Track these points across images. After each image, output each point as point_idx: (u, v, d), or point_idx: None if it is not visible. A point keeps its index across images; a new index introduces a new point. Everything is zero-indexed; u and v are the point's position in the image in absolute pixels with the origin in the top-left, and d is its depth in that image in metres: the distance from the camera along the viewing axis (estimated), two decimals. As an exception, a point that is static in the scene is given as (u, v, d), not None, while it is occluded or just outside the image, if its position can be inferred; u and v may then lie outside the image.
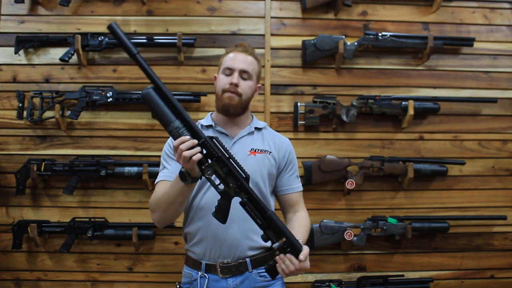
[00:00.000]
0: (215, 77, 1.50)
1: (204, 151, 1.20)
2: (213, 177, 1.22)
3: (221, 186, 1.24)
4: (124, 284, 2.34)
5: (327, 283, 2.26)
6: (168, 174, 1.41)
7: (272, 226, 1.22)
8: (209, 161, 1.20)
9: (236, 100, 1.41)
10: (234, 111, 1.43)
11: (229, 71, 1.42)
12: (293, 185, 1.52)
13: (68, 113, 2.33)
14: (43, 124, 2.36)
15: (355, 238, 2.28)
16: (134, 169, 2.26)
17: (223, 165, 1.20)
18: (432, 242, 2.41)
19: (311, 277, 2.35)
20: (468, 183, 2.44)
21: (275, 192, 1.53)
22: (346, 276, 2.37)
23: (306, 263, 1.23)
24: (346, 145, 2.42)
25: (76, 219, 2.26)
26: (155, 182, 1.43)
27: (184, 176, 1.20)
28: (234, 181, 1.22)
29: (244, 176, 1.22)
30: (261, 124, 1.53)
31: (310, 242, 2.28)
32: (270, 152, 1.47)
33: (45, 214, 2.34)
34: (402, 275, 2.33)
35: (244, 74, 1.43)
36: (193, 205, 1.42)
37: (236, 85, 1.40)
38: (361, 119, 2.42)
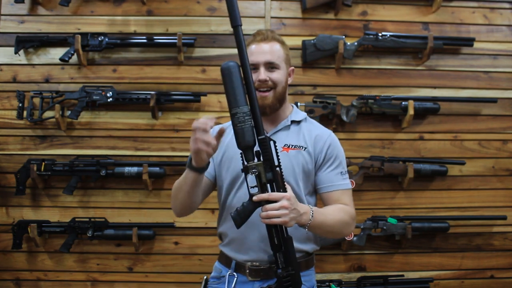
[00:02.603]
0: None
1: (258, 149, 1.15)
2: (251, 179, 1.16)
3: (253, 190, 1.15)
4: (124, 284, 2.34)
5: (327, 283, 2.26)
6: None
7: (285, 251, 1.16)
8: (256, 160, 1.14)
9: (270, 99, 1.32)
10: (271, 110, 1.34)
11: (254, 67, 1.32)
12: (334, 182, 1.34)
13: (68, 113, 2.33)
14: (43, 124, 2.36)
15: (355, 238, 2.28)
16: (134, 169, 2.26)
17: (269, 170, 1.14)
18: (432, 242, 2.41)
19: (311, 277, 2.35)
20: (468, 183, 2.44)
21: (316, 190, 1.39)
22: (346, 276, 2.37)
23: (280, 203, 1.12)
24: (346, 145, 2.42)
25: (76, 219, 2.26)
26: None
27: (190, 161, 1.18)
28: (271, 190, 1.15)
29: (282, 190, 1.16)
30: (300, 115, 1.41)
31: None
32: (305, 148, 1.35)
33: (45, 214, 2.34)
34: (402, 275, 2.33)
35: (269, 65, 1.32)
36: (225, 204, 1.36)
37: (265, 81, 1.31)
38: (361, 119, 2.42)
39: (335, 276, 2.34)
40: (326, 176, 1.35)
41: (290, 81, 1.40)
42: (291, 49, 2.41)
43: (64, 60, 2.33)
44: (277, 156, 1.16)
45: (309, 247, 1.36)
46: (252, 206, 1.15)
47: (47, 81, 2.39)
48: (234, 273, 1.34)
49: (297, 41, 2.43)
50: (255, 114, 1.15)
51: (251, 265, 1.31)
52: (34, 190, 2.34)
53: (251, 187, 1.16)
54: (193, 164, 1.18)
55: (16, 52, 2.33)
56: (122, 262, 2.35)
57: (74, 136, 2.37)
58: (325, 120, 2.39)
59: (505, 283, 2.43)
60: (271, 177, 1.14)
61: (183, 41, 2.32)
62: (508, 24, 2.53)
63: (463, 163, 2.37)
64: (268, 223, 1.13)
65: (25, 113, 2.31)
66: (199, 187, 1.28)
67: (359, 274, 2.34)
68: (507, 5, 2.54)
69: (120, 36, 2.39)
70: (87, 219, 2.27)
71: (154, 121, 2.37)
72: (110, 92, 2.30)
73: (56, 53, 2.38)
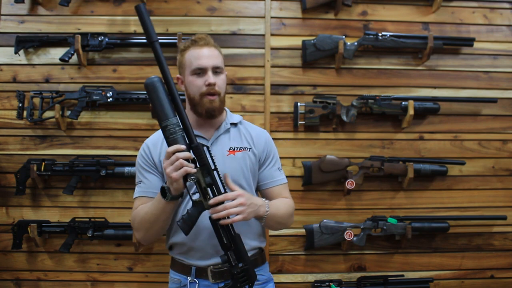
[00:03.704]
0: (178, 78, 1.39)
1: (193, 157, 1.19)
2: (190, 185, 1.20)
3: (195, 197, 1.20)
4: (124, 284, 2.34)
5: (327, 283, 2.26)
6: (145, 189, 1.37)
7: (235, 248, 1.21)
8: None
9: (217, 102, 1.34)
10: (218, 113, 1.36)
11: (200, 71, 1.33)
12: (275, 177, 1.44)
13: (68, 113, 2.33)
14: (43, 124, 2.36)
15: (355, 238, 2.28)
16: (134, 169, 2.25)
17: (207, 175, 1.18)
18: (432, 242, 2.41)
19: (311, 277, 2.35)
20: (468, 183, 2.44)
21: (258, 187, 1.45)
22: (346, 276, 2.37)
23: (235, 201, 1.17)
24: (346, 145, 2.42)
25: (76, 219, 2.26)
26: (134, 197, 1.39)
27: (165, 192, 1.19)
28: (212, 194, 1.19)
29: (223, 191, 1.21)
30: (236, 118, 1.45)
31: (310, 242, 2.29)
32: (249, 149, 1.40)
33: (45, 214, 2.34)
34: (402, 275, 2.33)
35: (216, 69, 1.34)
36: (177, 215, 1.36)
37: (215, 84, 1.32)
38: (361, 119, 2.42)
39: (335, 276, 2.34)
40: (268, 173, 1.43)
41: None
42: (291, 49, 2.45)
43: (64, 60, 2.32)
44: (212, 160, 1.20)
45: (260, 242, 1.41)
46: (197, 212, 1.19)
47: (47, 81, 2.39)
48: (195, 279, 1.35)
49: (297, 41, 2.43)
50: (184, 124, 1.19)
51: (213, 268, 1.33)
52: (34, 190, 2.34)
53: (192, 194, 1.20)
54: (172, 194, 1.19)
55: (16, 52, 2.33)
56: (122, 262, 2.35)
57: (74, 136, 2.37)
58: (325, 120, 2.39)
59: (505, 283, 2.43)
60: (210, 181, 1.19)
61: (183, 41, 2.33)
62: (508, 24, 2.53)
63: (463, 163, 2.37)
64: (229, 222, 1.17)
65: (25, 113, 2.31)
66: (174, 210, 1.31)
67: (359, 274, 2.34)
68: (507, 5, 2.54)
69: (120, 36, 2.39)
70: (87, 219, 2.26)
71: (154, 121, 2.37)
72: (110, 92, 2.30)
73: (56, 53, 2.38)
